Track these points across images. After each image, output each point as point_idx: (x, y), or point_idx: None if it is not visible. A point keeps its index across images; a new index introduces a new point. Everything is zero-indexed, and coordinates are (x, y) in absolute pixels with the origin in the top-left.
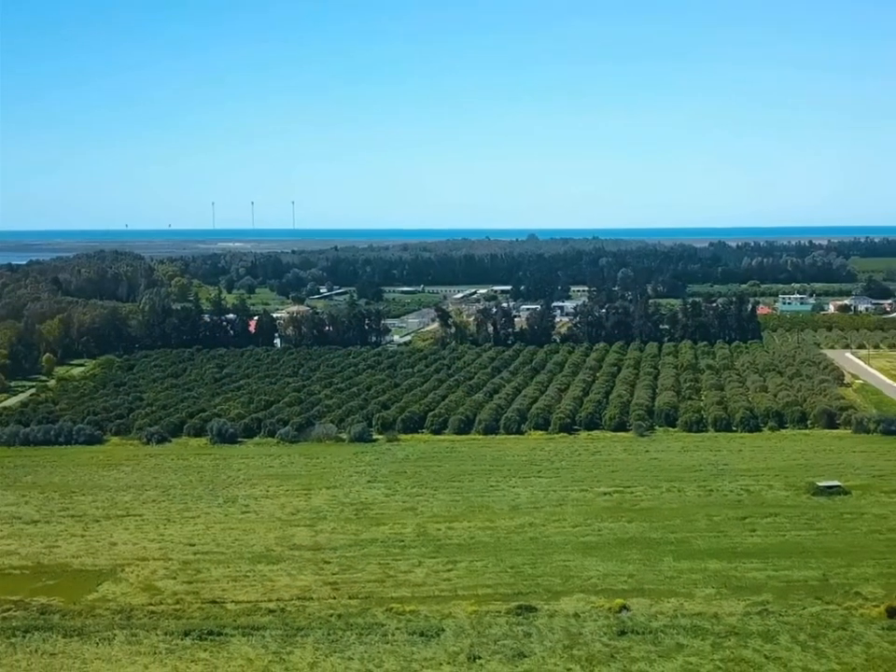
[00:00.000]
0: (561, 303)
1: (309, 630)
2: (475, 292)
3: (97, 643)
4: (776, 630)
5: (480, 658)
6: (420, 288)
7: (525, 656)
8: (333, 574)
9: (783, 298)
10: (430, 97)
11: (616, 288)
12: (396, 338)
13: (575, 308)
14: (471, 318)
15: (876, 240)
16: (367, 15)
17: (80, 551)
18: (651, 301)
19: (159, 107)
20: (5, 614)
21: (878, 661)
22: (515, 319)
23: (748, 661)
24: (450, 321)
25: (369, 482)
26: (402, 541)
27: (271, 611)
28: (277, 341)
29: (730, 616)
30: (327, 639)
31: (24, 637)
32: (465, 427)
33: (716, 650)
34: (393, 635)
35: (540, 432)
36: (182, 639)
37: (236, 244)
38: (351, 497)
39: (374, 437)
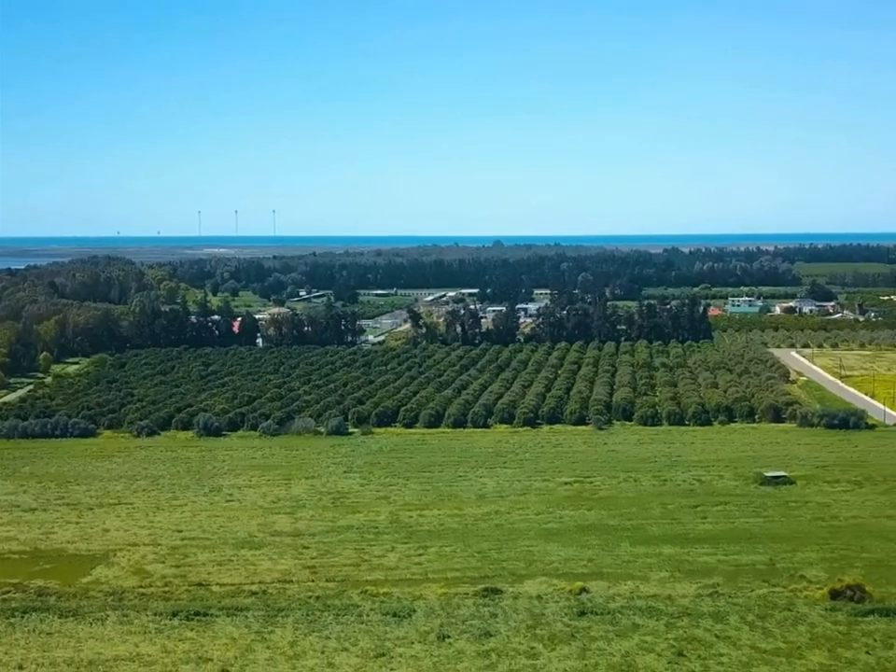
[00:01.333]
0: (525, 305)
1: (289, 611)
2: (444, 295)
3: (91, 623)
4: (725, 611)
5: (449, 637)
6: (393, 291)
7: (491, 635)
8: (312, 559)
9: (733, 300)
10: (402, 113)
11: (576, 291)
12: (370, 338)
13: (538, 310)
14: (441, 319)
15: (820, 246)
16: (342, 37)
17: (75, 537)
18: (608, 303)
19: (148, 122)
20: (4, 596)
21: (822, 639)
22: (482, 320)
23: (699, 640)
24: (421, 322)
25: (345, 472)
26: (376, 528)
27: (253, 593)
28: (259, 340)
29: (683, 598)
30: (306, 619)
31: (23, 617)
32: (435, 421)
33: (670, 629)
34: (368, 615)
35: (505, 426)
36: (170, 619)
37: (221, 249)
38: (328, 487)
39: (350, 430)
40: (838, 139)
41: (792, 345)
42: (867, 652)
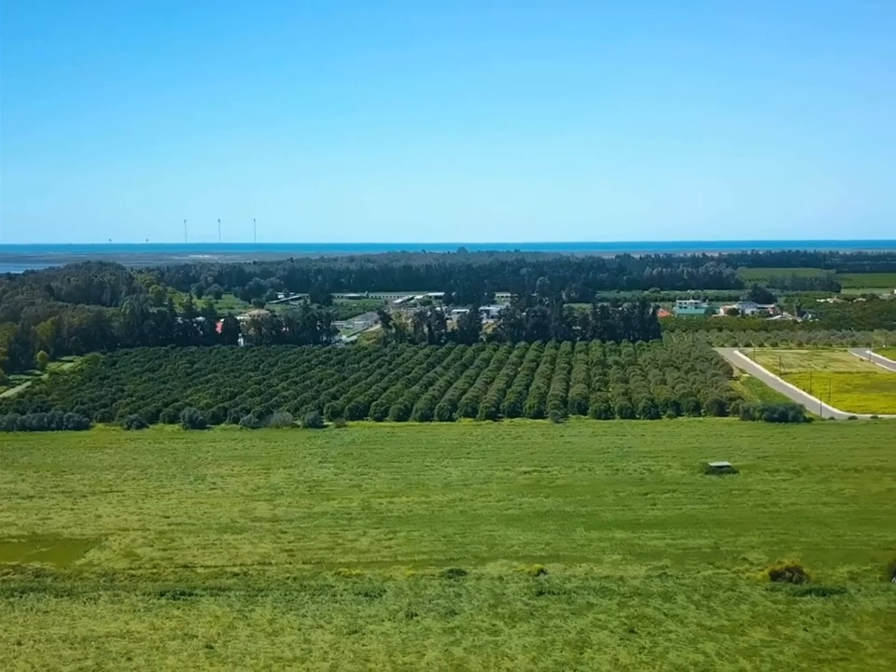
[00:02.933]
0: (487, 308)
1: (268, 591)
2: (412, 298)
3: (84, 602)
4: (673, 591)
5: (416, 615)
6: (365, 295)
7: (456, 613)
8: (289, 542)
9: (680, 303)
10: (374, 129)
11: (535, 294)
12: (344, 338)
13: (499, 312)
14: (409, 321)
15: (761, 252)
16: (316, 57)
17: (70, 522)
18: (565, 305)
19: (137, 137)
20: (3, 577)
21: (762, 617)
22: (447, 321)
23: (649, 617)
24: (391, 323)
25: (320, 462)
26: (349, 514)
27: (235, 575)
28: (241, 340)
29: (633, 579)
30: (284, 599)
31: (21, 596)
32: (403, 415)
33: (622, 608)
34: (341, 595)
35: (469, 419)
36: (158, 599)
37: (205, 256)
38: (305, 476)
39: (325, 423)
40: (779, 153)
41: (735, 345)
42: (805, 629)
